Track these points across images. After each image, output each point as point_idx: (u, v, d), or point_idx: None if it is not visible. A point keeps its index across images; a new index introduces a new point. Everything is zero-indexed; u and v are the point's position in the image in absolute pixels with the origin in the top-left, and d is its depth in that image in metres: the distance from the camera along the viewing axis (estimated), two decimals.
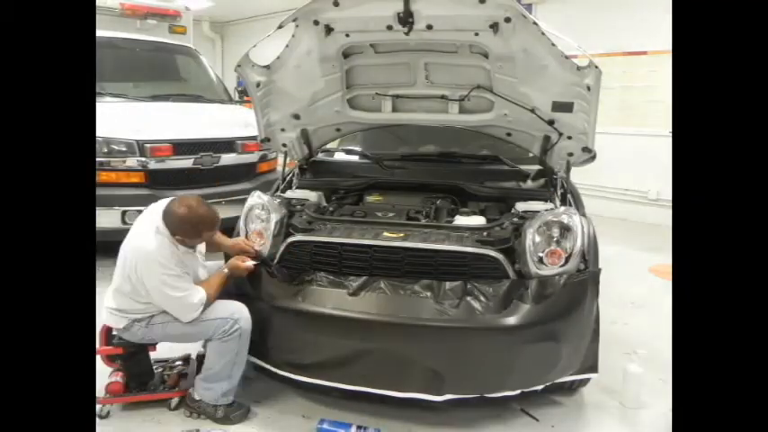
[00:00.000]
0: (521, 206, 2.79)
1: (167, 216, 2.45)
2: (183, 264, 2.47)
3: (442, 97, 3.13)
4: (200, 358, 2.70)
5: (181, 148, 4.79)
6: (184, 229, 2.45)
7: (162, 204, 2.54)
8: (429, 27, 2.61)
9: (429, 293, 2.39)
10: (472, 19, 2.56)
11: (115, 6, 5.98)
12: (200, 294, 2.45)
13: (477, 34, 2.64)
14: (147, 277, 2.39)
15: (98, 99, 4.48)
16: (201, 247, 2.72)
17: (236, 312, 2.50)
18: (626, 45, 6.68)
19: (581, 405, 2.78)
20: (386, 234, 2.56)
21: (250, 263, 2.59)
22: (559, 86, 2.72)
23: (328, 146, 3.69)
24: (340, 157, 3.77)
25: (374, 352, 2.36)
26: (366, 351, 2.37)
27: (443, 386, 2.35)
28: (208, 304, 2.48)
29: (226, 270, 2.60)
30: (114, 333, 2.61)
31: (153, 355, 2.75)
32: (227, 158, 5.09)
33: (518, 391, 2.45)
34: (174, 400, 2.66)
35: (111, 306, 2.54)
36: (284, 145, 3.39)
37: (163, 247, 2.42)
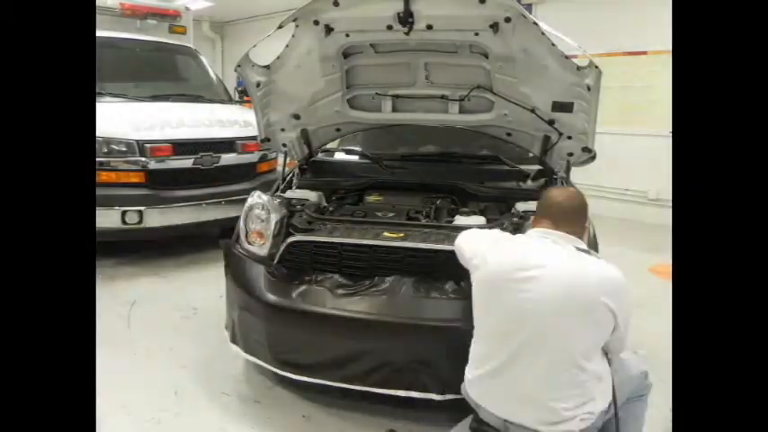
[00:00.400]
0: (521, 206, 2.79)
1: (570, 212, 1.93)
2: None
3: (442, 97, 3.13)
4: None
5: (181, 148, 4.79)
6: (585, 210, 1.99)
7: (538, 233, 1.95)
8: (429, 27, 2.61)
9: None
10: (472, 19, 2.56)
11: (115, 6, 5.98)
12: None
13: (477, 34, 2.64)
14: (629, 306, 1.88)
15: (98, 99, 4.49)
16: None
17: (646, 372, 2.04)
18: (626, 45, 6.68)
19: None
20: (386, 234, 2.56)
21: None
22: (559, 86, 2.72)
23: (328, 146, 3.69)
24: (340, 157, 3.77)
25: (374, 352, 2.36)
26: (366, 351, 2.37)
27: (443, 386, 2.35)
28: None
29: None
30: None
31: None
32: (227, 158, 5.09)
33: None
34: None
35: (576, 398, 1.73)
36: (284, 145, 3.39)
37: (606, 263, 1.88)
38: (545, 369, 1.74)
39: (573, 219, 1.94)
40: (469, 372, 1.93)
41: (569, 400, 1.73)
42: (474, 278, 1.95)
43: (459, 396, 2.41)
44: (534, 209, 2.68)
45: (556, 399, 1.73)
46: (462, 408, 2.57)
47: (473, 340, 1.94)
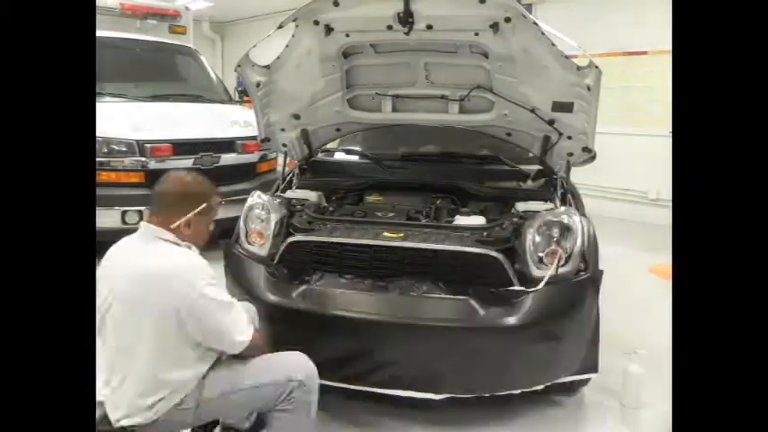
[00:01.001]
0: (521, 206, 2.79)
1: (163, 200, 1.95)
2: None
3: (442, 97, 3.13)
4: None
5: (181, 148, 4.80)
6: (191, 200, 1.93)
7: (127, 238, 1.98)
8: (429, 27, 2.61)
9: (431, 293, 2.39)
10: (472, 19, 2.56)
11: (115, 6, 5.98)
12: (243, 312, 1.97)
13: (477, 34, 2.64)
14: (192, 289, 1.78)
15: (98, 99, 4.48)
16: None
17: (310, 376, 1.99)
18: (626, 45, 6.68)
19: (581, 405, 2.78)
20: (386, 234, 2.57)
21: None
22: (559, 86, 2.72)
23: (328, 146, 3.70)
24: (340, 157, 3.77)
25: (374, 352, 2.37)
26: (366, 351, 2.37)
27: (443, 386, 2.35)
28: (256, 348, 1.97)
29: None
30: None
31: None
32: (227, 158, 5.09)
33: (518, 391, 2.46)
34: None
35: (139, 390, 1.79)
36: (284, 145, 3.39)
37: (184, 251, 1.90)
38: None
39: (166, 207, 1.93)
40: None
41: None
42: None
43: (459, 396, 2.42)
44: (534, 209, 2.70)
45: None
46: (462, 407, 2.58)
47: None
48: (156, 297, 1.77)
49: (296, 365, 1.99)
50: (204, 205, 1.96)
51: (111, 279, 1.85)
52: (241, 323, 1.91)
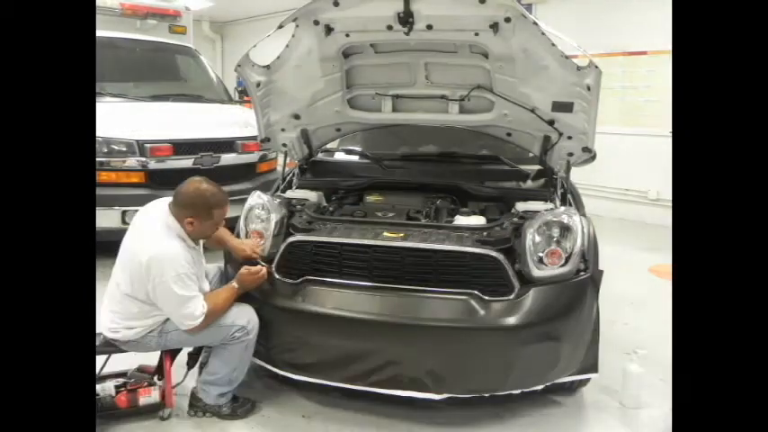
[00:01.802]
0: (521, 206, 2.79)
1: (178, 198, 2.42)
2: (194, 264, 2.43)
3: (442, 97, 3.12)
4: (194, 357, 2.68)
5: (181, 148, 4.80)
6: (197, 208, 2.40)
7: (160, 202, 2.52)
8: (429, 27, 2.61)
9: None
10: (472, 19, 2.56)
11: (115, 6, 5.98)
12: (201, 307, 2.38)
13: (477, 34, 2.64)
14: (161, 276, 2.29)
15: (98, 99, 4.49)
16: (201, 245, 2.65)
17: (251, 321, 2.48)
18: (626, 45, 6.68)
19: (581, 405, 2.78)
20: (386, 234, 2.56)
21: (261, 271, 2.51)
22: (559, 86, 2.72)
23: (328, 146, 3.69)
24: (340, 157, 3.77)
25: (374, 352, 2.36)
26: (366, 351, 2.37)
27: (443, 386, 2.35)
28: (212, 319, 2.41)
29: (235, 284, 2.51)
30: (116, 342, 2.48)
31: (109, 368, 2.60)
32: (227, 158, 5.09)
33: (518, 391, 2.46)
34: (167, 411, 2.57)
35: (120, 316, 2.43)
36: (284, 145, 3.39)
37: (176, 244, 2.37)
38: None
39: (179, 204, 2.43)
40: None
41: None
42: None
43: (459, 396, 2.42)
44: (534, 209, 2.70)
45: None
46: (462, 407, 2.58)
47: None
48: (138, 267, 2.32)
49: (240, 313, 2.49)
50: (207, 215, 2.43)
51: (129, 232, 2.50)
52: (190, 315, 2.37)
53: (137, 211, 2.63)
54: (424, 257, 2.45)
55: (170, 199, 2.48)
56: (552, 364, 2.42)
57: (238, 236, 2.85)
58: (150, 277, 2.30)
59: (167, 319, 2.44)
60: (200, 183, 2.46)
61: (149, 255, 2.30)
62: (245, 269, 2.52)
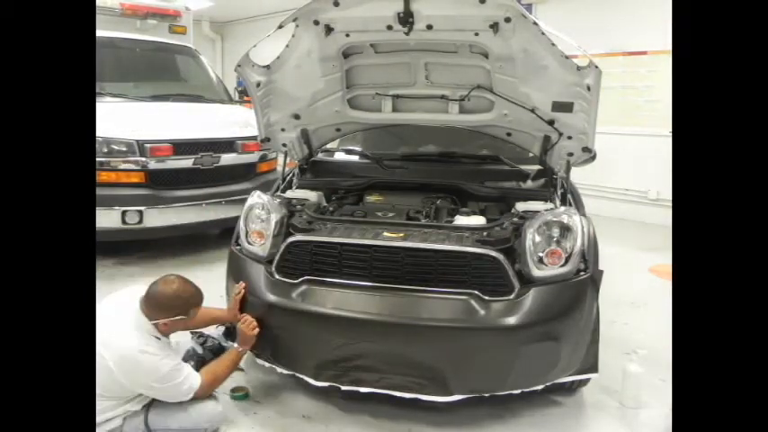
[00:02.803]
0: (521, 206, 2.79)
1: (153, 300, 2.35)
2: (168, 348, 2.42)
3: (442, 97, 3.13)
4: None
5: (181, 148, 4.79)
6: (175, 310, 2.36)
7: (127, 294, 2.44)
8: (429, 27, 2.61)
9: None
10: (472, 19, 2.56)
11: (115, 6, 5.98)
12: (190, 382, 2.36)
13: (477, 34, 2.64)
14: (136, 380, 2.27)
15: (98, 99, 4.49)
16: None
17: (213, 422, 2.46)
18: (626, 45, 6.68)
19: (581, 405, 2.78)
20: (386, 234, 2.56)
21: (250, 320, 2.53)
22: (559, 86, 2.72)
23: (328, 146, 3.70)
24: (340, 157, 3.77)
25: (374, 352, 2.36)
26: (366, 351, 2.37)
27: (443, 386, 2.35)
28: (214, 387, 2.47)
29: (237, 347, 2.56)
30: None
31: None
32: (227, 158, 5.09)
33: (518, 391, 2.46)
34: None
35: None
36: (284, 145, 3.39)
37: (149, 344, 2.29)
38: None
39: (152, 305, 2.35)
40: None
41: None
42: None
43: (459, 396, 2.42)
44: (534, 209, 2.70)
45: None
46: (462, 407, 2.58)
47: None
48: (113, 365, 2.21)
49: (204, 416, 2.43)
50: (180, 317, 2.38)
51: (100, 325, 2.16)
52: (177, 395, 2.35)
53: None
54: (424, 257, 2.45)
55: (139, 291, 2.41)
56: (552, 364, 2.42)
57: (238, 236, 2.85)
58: (131, 381, 2.27)
59: (149, 406, 2.38)
60: (178, 284, 2.41)
61: (128, 359, 2.23)
62: (242, 327, 2.53)
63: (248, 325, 2.52)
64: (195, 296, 2.45)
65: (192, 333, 2.81)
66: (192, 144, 4.87)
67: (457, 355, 2.34)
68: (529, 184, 3.18)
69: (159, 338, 2.35)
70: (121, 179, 4.56)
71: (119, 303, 2.42)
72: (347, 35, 2.79)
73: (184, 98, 5.58)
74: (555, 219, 2.49)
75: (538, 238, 2.44)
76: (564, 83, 2.68)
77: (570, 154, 2.99)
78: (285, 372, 2.59)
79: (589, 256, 2.51)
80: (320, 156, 3.64)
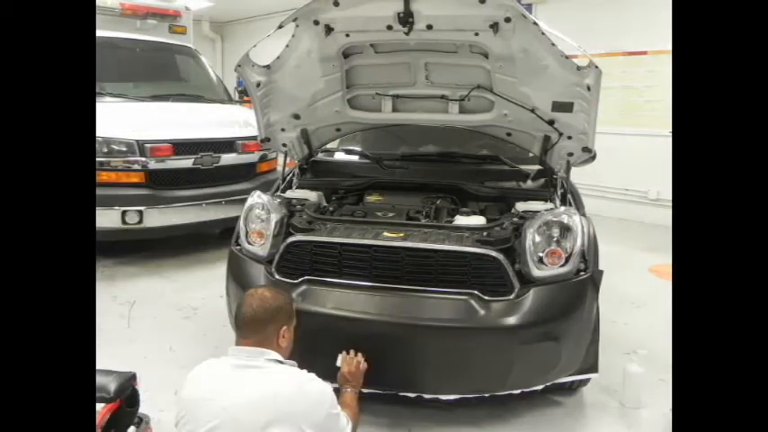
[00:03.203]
0: (521, 206, 2.79)
1: (259, 315, 1.95)
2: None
3: (442, 97, 3.13)
4: None
5: (181, 148, 4.80)
6: (283, 311, 2.02)
7: (205, 365, 1.95)
8: (429, 27, 2.61)
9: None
10: (472, 19, 2.56)
11: (115, 6, 5.98)
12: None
13: (477, 34, 2.64)
14: (315, 412, 1.87)
15: (98, 99, 4.49)
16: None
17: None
18: (626, 45, 6.69)
19: (581, 405, 2.78)
20: (386, 234, 2.56)
21: (352, 356, 2.31)
22: (559, 86, 2.72)
23: (328, 146, 3.70)
24: (340, 157, 3.77)
25: (374, 352, 2.36)
26: (366, 351, 2.37)
27: (443, 386, 2.35)
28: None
29: (353, 391, 2.26)
30: None
31: None
32: (227, 158, 5.10)
33: (518, 391, 2.46)
34: None
35: None
36: (284, 145, 3.39)
37: (298, 372, 1.96)
38: None
39: (258, 327, 1.94)
40: None
41: None
42: None
43: (460, 396, 2.42)
44: (534, 209, 2.70)
45: None
46: (462, 407, 2.58)
47: None
48: (281, 416, 1.77)
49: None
50: (292, 315, 2.07)
51: (220, 398, 1.79)
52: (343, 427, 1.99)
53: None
54: (424, 257, 2.45)
55: (219, 358, 1.96)
56: (552, 364, 2.42)
57: (238, 236, 2.85)
58: (307, 417, 1.83)
59: None
60: (263, 290, 2.08)
61: (292, 395, 1.83)
62: (347, 368, 2.27)
63: (350, 361, 2.27)
64: (280, 292, 2.11)
65: None
66: (192, 144, 4.87)
67: (457, 355, 2.35)
68: (529, 184, 3.18)
69: (293, 363, 2.01)
70: (121, 179, 4.57)
71: (215, 365, 1.93)
72: (347, 35, 2.80)
73: (184, 98, 5.58)
74: (555, 219, 2.49)
75: (538, 238, 2.45)
76: (564, 83, 2.68)
77: (570, 154, 2.99)
78: None
79: (589, 256, 2.51)
80: (320, 156, 3.64)
